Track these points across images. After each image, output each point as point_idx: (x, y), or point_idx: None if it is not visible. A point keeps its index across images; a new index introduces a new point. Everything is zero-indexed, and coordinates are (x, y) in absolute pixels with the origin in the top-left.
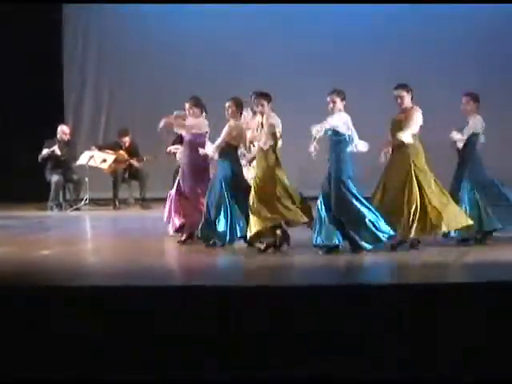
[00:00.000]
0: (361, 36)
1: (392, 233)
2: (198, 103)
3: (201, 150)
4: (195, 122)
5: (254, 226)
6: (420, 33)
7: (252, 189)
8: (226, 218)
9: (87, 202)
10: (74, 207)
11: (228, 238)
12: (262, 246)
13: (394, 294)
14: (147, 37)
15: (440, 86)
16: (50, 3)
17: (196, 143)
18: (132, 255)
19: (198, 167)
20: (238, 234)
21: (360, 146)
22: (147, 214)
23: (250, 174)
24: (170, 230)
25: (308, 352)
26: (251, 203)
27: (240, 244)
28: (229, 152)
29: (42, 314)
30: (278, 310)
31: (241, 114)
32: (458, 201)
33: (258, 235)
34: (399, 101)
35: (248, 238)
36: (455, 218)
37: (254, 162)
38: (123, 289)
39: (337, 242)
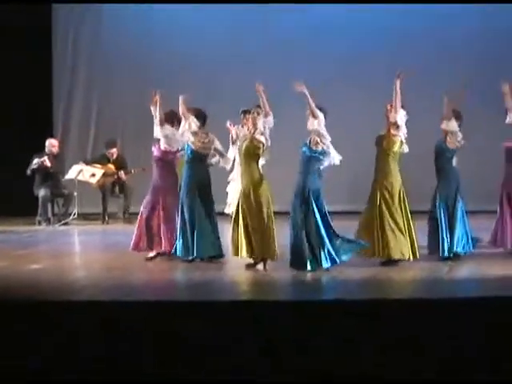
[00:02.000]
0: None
1: (345, 257)
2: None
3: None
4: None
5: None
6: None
7: (239, 206)
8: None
9: (75, 216)
10: (62, 222)
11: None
12: (252, 261)
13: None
14: (136, 49)
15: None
16: (40, 14)
17: (164, 160)
18: (121, 270)
19: (167, 185)
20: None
21: (336, 159)
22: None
23: (235, 188)
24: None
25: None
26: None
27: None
28: None
29: (32, 328)
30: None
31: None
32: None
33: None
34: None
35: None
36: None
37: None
38: (112, 303)
39: (308, 268)
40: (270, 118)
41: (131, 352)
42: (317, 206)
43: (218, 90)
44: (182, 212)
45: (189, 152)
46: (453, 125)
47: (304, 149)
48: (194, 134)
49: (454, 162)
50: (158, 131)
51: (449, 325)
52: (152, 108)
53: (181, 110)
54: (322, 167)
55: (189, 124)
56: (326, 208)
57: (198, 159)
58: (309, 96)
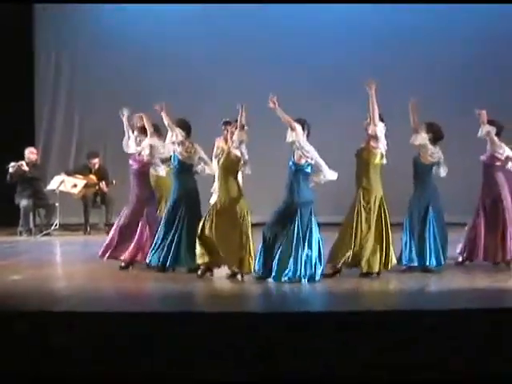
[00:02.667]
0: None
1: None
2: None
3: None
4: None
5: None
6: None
7: (211, 215)
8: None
9: (57, 227)
10: (44, 232)
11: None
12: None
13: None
14: (119, 60)
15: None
16: (21, 22)
17: (142, 172)
18: (102, 280)
19: (148, 196)
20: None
21: (328, 175)
22: None
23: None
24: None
25: None
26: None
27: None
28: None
29: (11, 339)
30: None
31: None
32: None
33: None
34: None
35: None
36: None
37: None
38: (93, 314)
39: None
40: (244, 133)
41: (115, 362)
42: (301, 220)
43: (208, 98)
44: (166, 222)
45: (176, 163)
46: (421, 138)
47: (290, 163)
48: (181, 144)
49: (444, 172)
50: (147, 140)
51: (429, 337)
52: (144, 120)
53: (166, 121)
54: (311, 182)
55: (175, 135)
56: (316, 222)
57: (185, 169)
58: (279, 109)
